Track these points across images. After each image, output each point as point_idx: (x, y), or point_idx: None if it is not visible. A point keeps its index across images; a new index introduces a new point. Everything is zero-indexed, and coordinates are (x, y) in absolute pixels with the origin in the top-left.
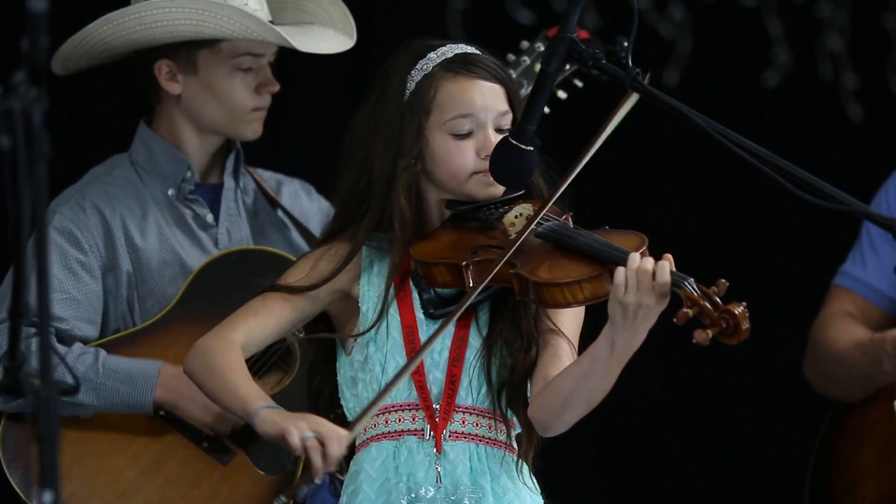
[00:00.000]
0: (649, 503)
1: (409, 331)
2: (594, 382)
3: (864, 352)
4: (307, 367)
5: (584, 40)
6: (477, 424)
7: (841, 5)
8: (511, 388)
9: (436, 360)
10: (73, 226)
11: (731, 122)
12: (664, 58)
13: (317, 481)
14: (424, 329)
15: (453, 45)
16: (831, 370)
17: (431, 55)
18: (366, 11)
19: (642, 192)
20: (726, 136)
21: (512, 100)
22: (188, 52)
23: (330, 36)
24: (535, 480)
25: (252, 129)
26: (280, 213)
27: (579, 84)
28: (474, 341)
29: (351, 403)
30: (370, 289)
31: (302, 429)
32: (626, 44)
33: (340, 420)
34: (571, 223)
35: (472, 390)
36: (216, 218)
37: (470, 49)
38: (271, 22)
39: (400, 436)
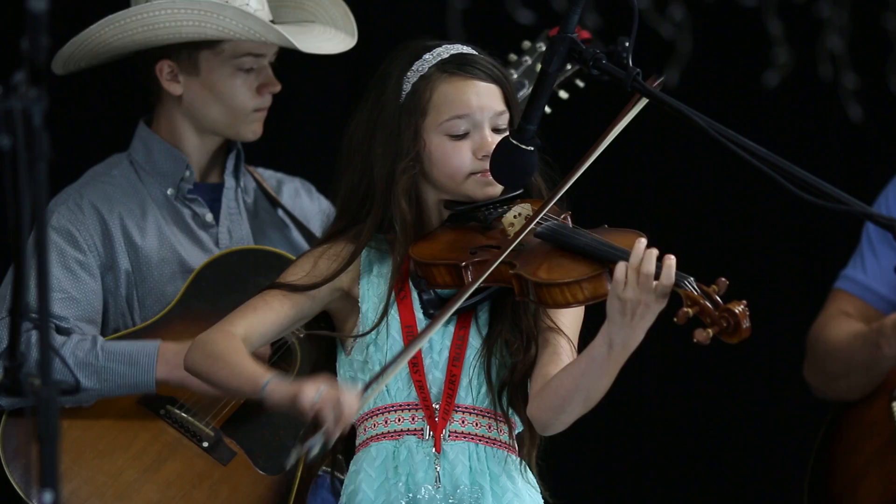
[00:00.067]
0: (649, 503)
1: (409, 331)
2: (592, 381)
3: (864, 340)
4: (311, 366)
5: (586, 40)
6: (477, 424)
7: (841, 5)
8: (511, 387)
9: (435, 360)
10: (71, 225)
11: (731, 122)
12: (664, 58)
13: (326, 440)
14: None
15: (449, 46)
16: (830, 366)
17: (427, 56)
18: (365, 11)
19: (642, 191)
20: (726, 136)
21: (508, 99)
22: (190, 52)
23: (331, 35)
24: (537, 479)
25: (252, 130)
26: (280, 212)
27: (581, 84)
28: (474, 341)
29: None
30: (370, 289)
31: (316, 386)
32: (626, 44)
33: None
34: (570, 223)
35: (471, 390)
36: (216, 217)
37: (465, 49)
38: (272, 21)
39: (399, 435)
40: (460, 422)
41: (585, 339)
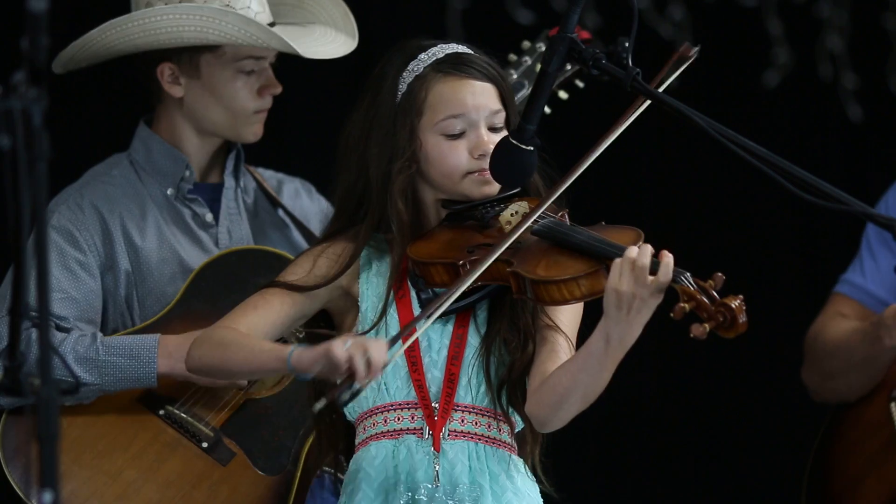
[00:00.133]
0: (648, 502)
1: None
2: (590, 377)
3: (863, 335)
4: None
5: (586, 40)
6: (476, 423)
7: (841, 5)
8: (510, 385)
9: (434, 359)
10: (72, 225)
11: (731, 122)
12: (664, 58)
13: (357, 385)
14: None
15: (444, 46)
16: (829, 365)
17: (422, 56)
18: (365, 12)
19: (642, 191)
20: (726, 135)
21: (505, 98)
22: (191, 55)
23: (332, 37)
24: (539, 477)
25: (253, 132)
26: (281, 212)
27: (580, 84)
28: (473, 340)
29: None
30: (369, 288)
31: (343, 339)
32: (626, 44)
33: (341, 420)
34: (568, 220)
35: (471, 389)
36: (216, 217)
37: (461, 49)
38: (273, 23)
39: (399, 434)
40: (460, 421)
41: (585, 338)
